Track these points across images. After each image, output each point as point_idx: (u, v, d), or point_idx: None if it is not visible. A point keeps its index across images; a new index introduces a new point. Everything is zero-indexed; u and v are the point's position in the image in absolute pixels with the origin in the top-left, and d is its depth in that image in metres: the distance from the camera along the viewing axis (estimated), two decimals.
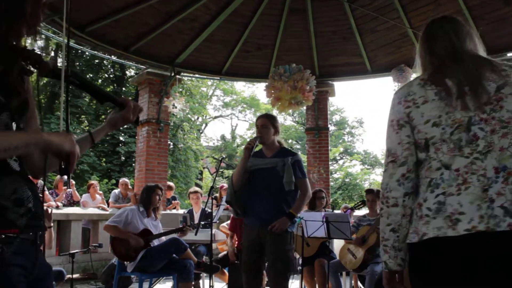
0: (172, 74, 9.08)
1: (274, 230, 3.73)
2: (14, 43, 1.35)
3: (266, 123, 3.97)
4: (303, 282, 5.69)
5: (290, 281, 6.25)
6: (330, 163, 10.08)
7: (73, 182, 8.49)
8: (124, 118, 1.63)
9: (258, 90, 44.90)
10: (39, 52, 1.38)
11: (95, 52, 9.00)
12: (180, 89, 10.97)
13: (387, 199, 1.75)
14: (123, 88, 19.05)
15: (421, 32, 2.00)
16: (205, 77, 12.23)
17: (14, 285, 1.28)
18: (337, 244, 6.46)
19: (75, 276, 6.65)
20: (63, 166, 1.35)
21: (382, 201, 1.78)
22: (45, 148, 1.31)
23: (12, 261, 1.28)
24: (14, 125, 1.36)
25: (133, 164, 15.16)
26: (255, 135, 4.13)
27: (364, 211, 7.01)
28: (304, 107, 8.60)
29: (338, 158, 35.52)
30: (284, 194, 3.86)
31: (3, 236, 1.25)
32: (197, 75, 10.97)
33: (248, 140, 4.21)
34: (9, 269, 1.27)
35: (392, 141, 1.78)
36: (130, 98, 15.60)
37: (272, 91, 6.81)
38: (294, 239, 4.00)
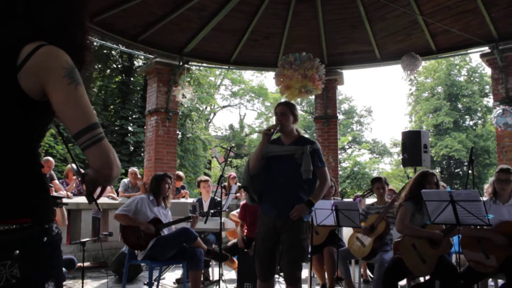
0: (181, 64, 9.08)
1: (293, 217, 3.70)
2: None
3: (285, 110, 3.93)
4: (312, 270, 5.70)
5: None
6: (338, 152, 10.06)
7: (83, 171, 8.53)
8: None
9: (266, 80, 44.81)
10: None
11: (104, 42, 9.01)
12: (188, 79, 10.97)
13: None
14: (131, 78, 19.04)
15: None
16: (213, 66, 12.21)
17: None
18: (346, 232, 6.46)
19: (86, 264, 6.72)
20: (90, 194, 1.56)
21: None
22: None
23: None
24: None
25: (142, 154, 15.24)
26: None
27: (373, 199, 7.00)
28: (313, 96, 8.56)
29: (347, 147, 35.44)
30: (302, 182, 3.80)
31: (54, 225, 1.44)
32: (205, 64, 10.95)
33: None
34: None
35: None
36: (138, 88, 15.61)
37: (281, 80, 6.76)
38: (310, 229, 3.95)
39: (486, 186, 4.44)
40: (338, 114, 10.02)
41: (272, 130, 3.85)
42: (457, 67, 34.47)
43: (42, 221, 1.37)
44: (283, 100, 4.42)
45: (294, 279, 3.80)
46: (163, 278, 6.59)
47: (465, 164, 31.93)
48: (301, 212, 3.72)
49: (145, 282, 6.20)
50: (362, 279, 6.18)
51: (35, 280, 1.32)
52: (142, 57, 14.07)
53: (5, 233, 1.29)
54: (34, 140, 1.44)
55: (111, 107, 19.12)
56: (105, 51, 18.07)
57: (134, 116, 18.69)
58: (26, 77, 1.35)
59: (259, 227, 4.01)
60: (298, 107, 4.07)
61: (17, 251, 1.29)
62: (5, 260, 1.28)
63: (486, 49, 8.27)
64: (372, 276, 6.21)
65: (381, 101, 71.43)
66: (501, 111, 7.84)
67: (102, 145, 1.40)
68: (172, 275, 6.92)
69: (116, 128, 18.60)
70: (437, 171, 29.24)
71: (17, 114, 1.37)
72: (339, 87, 10.40)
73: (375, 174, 27.78)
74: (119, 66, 19.54)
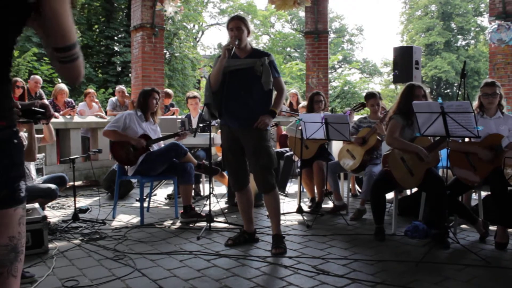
0: None
1: (260, 127, 3.79)
2: None
3: (240, 24, 3.88)
4: (301, 184, 5.77)
5: (288, 184, 6.41)
6: (329, 71, 9.90)
7: (77, 107, 8.31)
8: None
9: None
10: None
11: None
12: None
13: None
14: None
15: None
16: None
17: None
18: (335, 147, 6.51)
19: (77, 183, 6.77)
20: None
21: None
22: None
23: None
24: None
25: (130, 74, 14.96)
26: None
27: (361, 115, 6.99)
28: (303, 12, 8.26)
29: (337, 66, 35.11)
30: (261, 93, 3.86)
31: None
32: None
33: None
34: None
35: None
36: (123, 6, 15.00)
37: None
38: (270, 137, 4.03)
39: (474, 103, 4.38)
40: (329, 31, 9.75)
41: (231, 45, 3.83)
42: None
43: (13, 124, 1.46)
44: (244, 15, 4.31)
45: (269, 186, 3.89)
46: (155, 194, 6.69)
47: (455, 85, 31.94)
48: (267, 121, 3.82)
49: (137, 199, 6.28)
50: (350, 193, 6.30)
51: (12, 179, 1.43)
52: None
53: None
54: (14, 45, 1.48)
55: (96, 26, 18.48)
56: None
57: (120, 35, 18.16)
58: None
59: (222, 139, 4.11)
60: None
61: None
62: None
63: None
64: (360, 190, 6.33)
65: (372, 20, 70.00)
66: (496, 26, 7.68)
67: (80, 62, 1.49)
68: (164, 191, 7.02)
69: (102, 48, 18.10)
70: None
71: (17, 16, 1.39)
72: (331, 1, 10.05)
73: (365, 94, 27.71)
74: None
